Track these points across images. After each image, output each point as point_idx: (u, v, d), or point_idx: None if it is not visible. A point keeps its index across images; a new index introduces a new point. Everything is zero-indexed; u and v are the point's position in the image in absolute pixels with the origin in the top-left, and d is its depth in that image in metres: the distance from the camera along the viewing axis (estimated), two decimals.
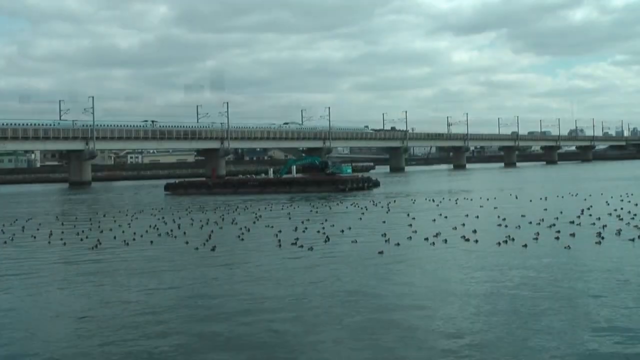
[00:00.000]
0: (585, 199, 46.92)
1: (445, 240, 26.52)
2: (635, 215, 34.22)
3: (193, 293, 18.12)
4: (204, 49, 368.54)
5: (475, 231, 28.86)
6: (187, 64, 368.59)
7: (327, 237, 28.37)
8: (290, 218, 39.03)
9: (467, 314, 15.00)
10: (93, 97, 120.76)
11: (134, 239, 30.12)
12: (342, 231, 30.81)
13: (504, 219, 33.83)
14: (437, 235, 28.02)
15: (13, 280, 21.00)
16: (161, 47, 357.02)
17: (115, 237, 31.01)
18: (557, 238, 26.51)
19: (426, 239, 27.04)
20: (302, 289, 18.10)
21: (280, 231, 31.21)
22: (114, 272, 21.68)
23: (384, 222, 35.00)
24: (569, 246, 23.99)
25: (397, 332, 13.73)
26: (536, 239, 26.41)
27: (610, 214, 35.06)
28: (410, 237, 27.88)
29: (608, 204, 41.63)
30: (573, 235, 27.04)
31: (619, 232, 27.27)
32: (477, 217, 36.16)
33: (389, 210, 43.06)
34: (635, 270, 19.38)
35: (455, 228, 30.61)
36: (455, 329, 13.88)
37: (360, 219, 37.47)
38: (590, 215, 35.13)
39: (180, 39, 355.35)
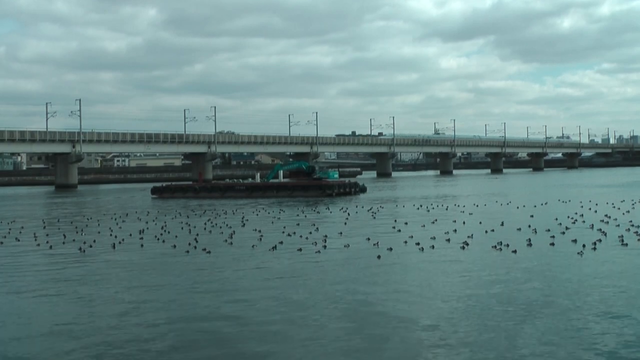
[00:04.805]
0: (581, 205, 47.11)
1: (433, 247, 26.44)
2: (631, 221, 34.42)
3: (181, 303, 17.87)
4: (192, 53, 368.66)
5: (471, 236, 29.01)
6: (176, 68, 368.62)
7: (316, 242, 28.23)
8: (272, 223, 38.79)
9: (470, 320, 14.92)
10: (80, 100, 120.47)
11: (120, 243, 29.88)
12: (326, 236, 30.47)
13: (501, 224, 34.13)
14: (433, 238, 28.30)
15: None
16: (149, 50, 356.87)
17: (95, 241, 30.61)
18: (553, 244, 26.49)
19: (417, 243, 27.05)
20: (305, 296, 17.92)
21: (262, 236, 31.17)
22: (98, 279, 21.21)
23: (373, 227, 34.91)
24: (582, 252, 23.93)
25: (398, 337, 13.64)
26: (530, 244, 26.37)
27: (602, 221, 35.12)
28: (406, 242, 27.82)
29: (596, 212, 41.75)
30: (575, 241, 26.87)
31: (621, 239, 27.15)
32: (464, 223, 36.13)
33: (374, 215, 42.93)
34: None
35: (447, 233, 30.61)
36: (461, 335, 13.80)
37: (345, 223, 37.34)
38: (584, 222, 35.25)
39: (168, 43, 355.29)
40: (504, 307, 15.85)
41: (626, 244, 25.92)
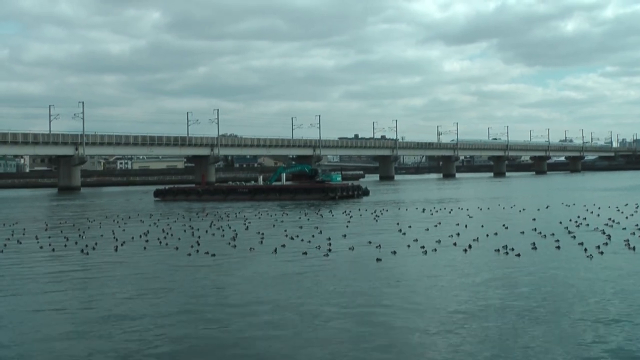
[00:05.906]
0: (587, 209, 46.88)
1: (435, 250, 26.32)
2: (637, 224, 34.33)
3: (184, 307, 17.83)
4: (195, 56, 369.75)
5: (477, 239, 29.03)
6: (179, 71, 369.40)
7: (319, 245, 28.15)
8: (274, 226, 38.70)
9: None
10: (83, 103, 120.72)
11: (122, 245, 29.83)
12: (329, 239, 30.37)
13: (505, 228, 34.08)
14: (438, 241, 28.39)
15: None
16: (153, 53, 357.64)
17: (96, 244, 30.45)
18: (558, 247, 26.35)
19: (422, 247, 26.92)
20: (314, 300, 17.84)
21: (263, 238, 31.14)
22: (100, 284, 20.97)
23: (376, 230, 34.83)
24: (591, 255, 23.81)
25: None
26: (534, 248, 26.25)
27: (606, 224, 34.98)
28: (409, 246, 27.67)
29: (599, 216, 41.62)
30: (582, 244, 26.67)
31: (627, 242, 26.98)
32: (466, 226, 36.01)
33: (377, 219, 42.84)
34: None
35: (451, 236, 30.51)
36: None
37: (347, 226, 37.22)
38: (588, 225, 35.13)
39: (172, 46, 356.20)
40: (508, 312, 15.74)
41: (633, 248, 25.78)
